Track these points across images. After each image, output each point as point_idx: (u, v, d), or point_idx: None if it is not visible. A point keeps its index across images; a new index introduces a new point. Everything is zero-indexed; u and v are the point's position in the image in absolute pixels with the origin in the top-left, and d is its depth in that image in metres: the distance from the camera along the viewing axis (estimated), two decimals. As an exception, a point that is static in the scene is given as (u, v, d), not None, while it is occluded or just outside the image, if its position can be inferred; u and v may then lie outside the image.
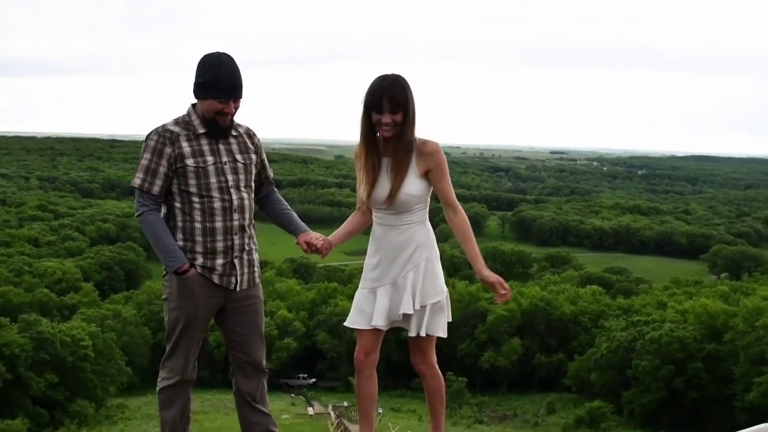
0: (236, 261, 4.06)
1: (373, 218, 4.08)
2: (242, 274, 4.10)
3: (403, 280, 3.98)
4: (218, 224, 3.99)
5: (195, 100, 4.04)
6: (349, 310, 4.16)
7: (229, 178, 4.02)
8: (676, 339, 51.20)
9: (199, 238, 3.99)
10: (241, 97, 4.00)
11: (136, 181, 3.98)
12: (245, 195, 4.08)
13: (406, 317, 4.02)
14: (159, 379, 4.20)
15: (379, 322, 4.01)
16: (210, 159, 3.99)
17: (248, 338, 4.19)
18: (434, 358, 4.23)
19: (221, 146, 4.04)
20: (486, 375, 61.60)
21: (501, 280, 4.01)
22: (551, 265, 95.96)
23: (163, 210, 4.07)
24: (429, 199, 4.02)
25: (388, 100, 3.80)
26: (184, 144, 3.97)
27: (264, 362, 4.29)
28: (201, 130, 4.01)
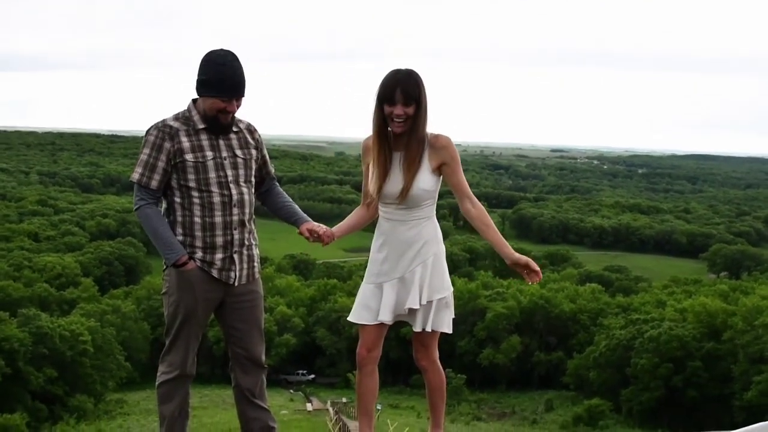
0: (236, 256, 4.06)
1: (380, 213, 4.05)
2: (241, 269, 4.10)
3: (410, 275, 3.97)
4: (218, 219, 3.99)
5: (195, 95, 4.03)
6: (348, 307, 4.16)
7: (229, 173, 4.01)
8: (675, 337, 51.23)
9: (198, 233, 4.00)
10: (243, 96, 4.01)
11: (135, 176, 3.99)
12: (245, 190, 4.08)
13: (412, 312, 4.01)
14: (158, 374, 4.20)
15: (386, 317, 3.99)
16: (209, 154, 3.99)
17: (247, 333, 4.19)
18: (437, 355, 4.23)
19: (221, 142, 4.04)
20: (485, 372, 61.63)
21: (531, 260, 4.01)
22: (551, 263, 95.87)
23: (163, 205, 4.08)
24: (437, 195, 4.02)
25: (401, 92, 3.79)
26: (184, 139, 3.97)
27: (263, 358, 4.29)
28: (201, 126, 4.01)
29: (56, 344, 47.42)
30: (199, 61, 3.97)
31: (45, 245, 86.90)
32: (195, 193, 3.97)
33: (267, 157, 4.32)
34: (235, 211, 4.03)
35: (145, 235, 4.30)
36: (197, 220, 3.99)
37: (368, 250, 4.10)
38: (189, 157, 3.95)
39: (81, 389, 48.91)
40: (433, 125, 3.93)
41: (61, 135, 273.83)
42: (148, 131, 4.01)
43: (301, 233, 4.30)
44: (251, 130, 4.20)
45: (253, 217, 4.19)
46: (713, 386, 50.26)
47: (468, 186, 4.02)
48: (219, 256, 4.03)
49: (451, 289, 4.11)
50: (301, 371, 63.12)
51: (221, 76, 3.90)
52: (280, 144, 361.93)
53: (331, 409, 48.38)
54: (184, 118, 4.03)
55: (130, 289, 71.32)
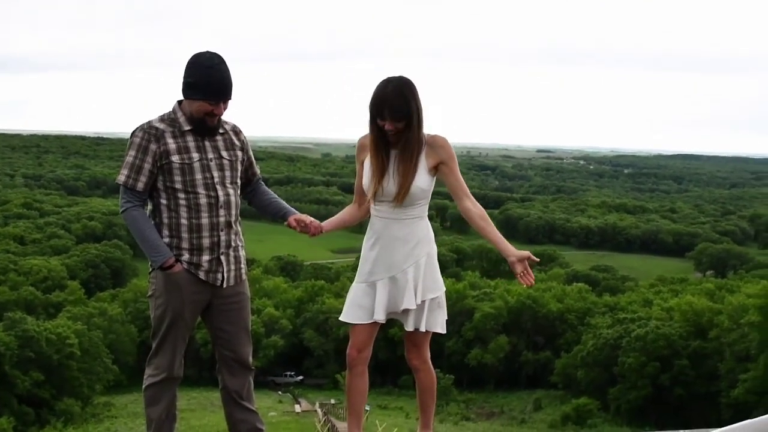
0: (222, 257, 4.05)
1: (373, 211, 4.02)
2: (229, 271, 4.09)
3: (402, 274, 3.94)
4: (204, 221, 3.98)
5: (180, 97, 4.02)
6: (336, 308, 4.16)
7: (215, 174, 4.00)
8: (662, 336, 51.46)
9: (185, 235, 3.98)
10: (231, 99, 3.99)
11: (121, 178, 3.96)
12: (231, 191, 4.06)
13: (404, 312, 3.99)
14: (145, 377, 4.17)
15: (380, 316, 3.97)
16: (195, 156, 3.97)
17: (234, 335, 4.18)
18: (428, 354, 4.21)
19: (207, 143, 4.02)
20: (473, 372, 61.74)
21: (530, 254, 3.97)
22: (538, 263, 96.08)
23: (149, 207, 4.06)
24: (430, 195, 4.01)
25: (389, 110, 3.77)
26: (170, 141, 3.95)
27: (250, 359, 4.27)
28: (186, 127, 3.99)
29: (43, 348, 47.19)
30: (185, 64, 3.95)
31: (31, 248, 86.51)
32: (181, 195, 3.95)
33: (252, 158, 4.31)
34: (222, 212, 4.02)
35: (132, 238, 4.28)
36: (184, 221, 3.97)
37: (356, 251, 4.10)
38: (175, 158, 3.93)
39: (68, 393, 48.69)
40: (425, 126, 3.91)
41: (46, 137, 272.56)
42: (133, 133, 3.98)
43: (288, 224, 4.28)
44: (237, 131, 4.19)
45: (239, 218, 4.18)
46: (700, 384, 50.52)
47: (466, 185, 4.01)
48: (206, 257, 4.01)
49: (444, 288, 4.09)
50: (289, 373, 63.02)
51: (209, 79, 3.88)
52: (266, 145, 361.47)
53: (319, 411, 48.36)
54: (169, 119, 4.01)
55: (116, 291, 71.06)
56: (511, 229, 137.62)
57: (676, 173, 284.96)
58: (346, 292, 4.22)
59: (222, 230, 4.03)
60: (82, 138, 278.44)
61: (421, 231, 3.98)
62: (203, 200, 3.97)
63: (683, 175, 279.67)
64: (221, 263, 4.05)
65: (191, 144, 3.98)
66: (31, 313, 55.97)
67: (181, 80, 3.95)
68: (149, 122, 4.00)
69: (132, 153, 3.95)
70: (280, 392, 58.45)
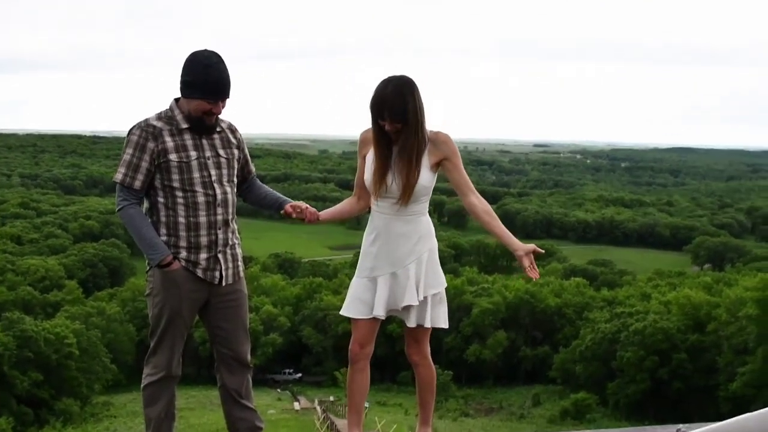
0: (220, 255, 4.05)
1: (374, 207, 4.01)
2: (227, 269, 4.08)
3: (404, 271, 3.94)
4: (202, 219, 3.97)
5: (177, 95, 4.01)
6: (334, 305, 4.15)
7: (213, 172, 4.00)
8: (660, 330, 51.48)
9: (183, 233, 3.97)
10: (228, 97, 3.98)
11: (118, 176, 3.95)
12: (228, 189, 4.06)
13: (406, 308, 3.99)
14: (144, 376, 4.17)
15: (380, 311, 3.96)
16: (193, 154, 3.97)
17: (232, 333, 4.18)
18: (428, 349, 4.20)
19: (204, 141, 4.02)
20: (471, 368, 61.77)
21: (536, 247, 4.00)
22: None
23: (146, 205, 4.05)
24: (431, 191, 4.00)
25: (388, 112, 3.77)
26: (168, 139, 3.94)
27: (249, 357, 4.27)
28: (184, 125, 3.98)
29: (41, 348, 47.15)
30: (184, 62, 3.94)
31: (28, 248, 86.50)
32: (179, 193, 3.95)
33: (248, 156, 4.31)
34: (220, 210, 4.01)
35: (129, 237, 4.27)
36: (182, 220, 3.97)
37: (354, 247, 4.09)
38: (173, 157, 3.93)
39: (67, 392, 48.67)
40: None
41: (42, 137, 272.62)
42: (130, 131, 3.97)
43: (285, 211, 4.25)
44: (233, 129, 4.18)
45: (236, 216, 4.18)
46: (698, 378, 50.55)
47: (470, 180, 4.01)
48: (203, 255, 4.01)
49: (445, 284, 4.09)
50: (287, 370, 63.05)
51: (207, 77, 3.87)
52: (263, 142, 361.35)
53: (318, 408, 48.34)
54: (167, 117, 4.00)
55: (114, 290, 71.04)
56: (508, 224, 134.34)
57: (672, 166, 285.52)
58: (345, 288, 4.23)
59: (219, 228, 4.03)
60: (78, 137, 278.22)
61: (422, 227, 3.98)
62: (201, 198, 3.96)
63: (680, 168, 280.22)
64: (219, 261, 4.05)
65: (189, 142, 3.98)
66: (29, 313, 55.92)
67: (179, 79, 3.95)
68: (146, 120, 3.98)
69: (129, 151, 3.94)
70: (278, 390, 58.43)
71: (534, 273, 3.94)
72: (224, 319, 4.15)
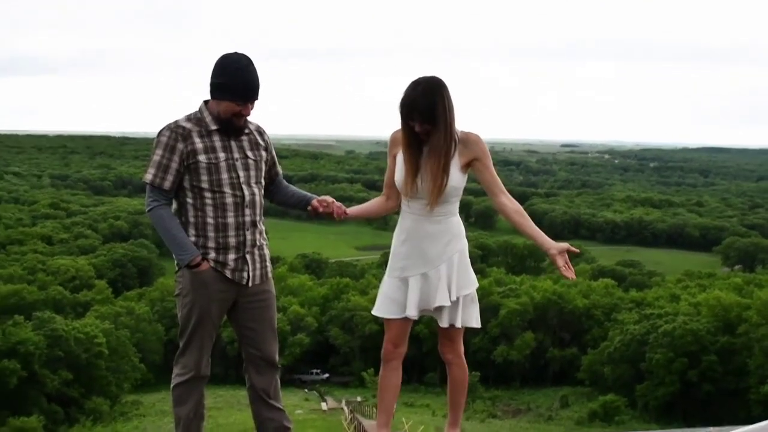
0: (248, 256, 4.07)
1: (404, 208, 4.02)
2: (254, 269, 4.11)
3: (435, 272, 3.94)
4: (230, 220, 4.00)
5: (206, 97, 4.04)
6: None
7: (241, 174, 4.02)
8: (690, 332, 51.04)
9: (211, 234, 4.00)
10: (257, 99, 4.01)
11: (148, 177, 3.98)
12: (256, 191, 4.09)
13: (438, 309, 3.99)
14: (173, 376, 4.20)
15: (412, 312, 3.97)
16: (222, 155, 4.00)
17: (261, 334, 4.20)
18: (462, 349, 4.22)
19: (233, 143, 4.05)
20: (499, 369, 61.56)
21: (570, 246, 3.97)
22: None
23: (174, 205, 4.08)
24: (461, 192, 3.99)
25: (417, 113, 3.77)
26: (197, 140, 3.97)
27: (277, 358, 4.29)
28: (213, 127, 4.01)
29: (71, 347, 47.63)
30: (214, 64, 3.97)
31: (58, 248, 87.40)
32: (208, 194, 3.98)
33: (275, 157, 4.34)
34: (248, 211, 4.04)
35: (158, 237, 4.31)
36: (210, 220, 3.99)
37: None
38: (202, 158, 3.96)
39: (96, 391, 49.13)
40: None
41: (72, 138, 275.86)
42: (160, 132, 4.01)
43: (312, 207, 4.29)
44: (261, 131, 4.21)
45: (263, 217, 4.20)
46: (729, 380, 50.06)
47: (500, 181, 3.99)
48: (232, 256, 4.03)
49: (477, 284, 4.10)
50: (315, 370, 63.18)
51: (237, 80, 3.90)
52: (290, 143, 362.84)
53: (345, 408, 48.41)
54: (196, 119, 4.03)
55: (143, 290, 71.61)
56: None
57: (702, 166, 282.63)
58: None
59: (248, 229, 4.05)
60: (108, 138, 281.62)
61: (453, 228, 3.99)
62: (229, 199, 3.99)
63: (709, 168, 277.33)
64: (246, 262, 4.07)
65: (218, 144, 4.00)
66: (60, 312, 56.51)
67: (209, 80, 3.98)
68: (176, 122, 4.02)
69: (159, 152, 3.97)
70: (306, 390, 58.57)
71: (570, 273, 3.90)
72: (252, 319, 4.17)
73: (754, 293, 55.00)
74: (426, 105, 3.75)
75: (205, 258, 4.00)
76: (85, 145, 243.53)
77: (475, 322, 4.09)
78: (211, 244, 4.01)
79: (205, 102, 4.05)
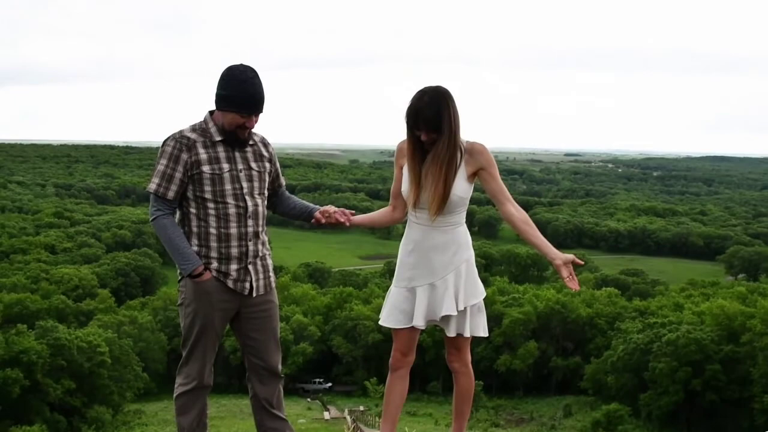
0: (250, 267, 4.08)
1: (411, 218, 4.03)
2: (257, 280, 4.12)
3: (442, 282, 3.95)
4: (233, 230, 4.01)
5: (211, 107, 4.06)
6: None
7: (244, 185, 4.04)
8: (693, 341, 50.90)
9: (214, 244, 4.01)
10: (262, 112, 4.03)
11: (152, 186, 4.00)
12: (259, 202, 4.11)
13: (445, 318, 4.01)
14: (176, 385, 4.21)
15: (419, 322, 3.99)
16: (226, 166, 4.01)
17: (264, 343, 4.21)
18: (469, 358, 4.24)
19: (237, 154, 4.07)
20: (502, 378, 61.44)
21: (575, 257, 3.98)
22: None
23: (178, 215, 4.10)
24: (468, 201, 4.00)
25: (423, 122, 3.78)
26: (201, 151, 3.99)
27: (280, 367, 4.30)
28: (217, 138, 4.03)
29: (74, 356, 47.57)
30: (219, 75, 3.99)
31: (62, 257, 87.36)
32: (211, 205, 3.99)
33: (279, 169, 4.36)
34: (250, 222, 4.05)
35: (161, 246, 4.32)
36: (213, 231, 4.01)
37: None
38: (206, 168, 3.98)
39: (99, 400, 49.02)
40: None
41: (76, 147, 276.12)
42: (165, 142, 4.03)
43: (316, 220, 4.32)
44: (265, 143, 4.23)
45: (266, 228, 4.21)
46: (732, 389, 49.89)
47: (507, 190, 4.01)
48: (234, 266, 4.05)
49: (484, 293, 4.12)
50: (318, 380, 63.06)
51: (242, 93, 3.92)
52: (293, 152, 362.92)
53: (348, 418, 48.31)
54: (201, 129, 4.05)
55: (146, 299, 71.47)
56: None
57: (705, 175, 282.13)
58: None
59: (250, 240, 4.06)
60: (111, 147, 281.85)
61: (460, 238, 3.99)
62: (232, 210, 4.00)
63: (713, 177, 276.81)
64: (249, 272, 4.08)
65: (222, 155, 4.02)
66: (63, 321, 56.43)
67: (214, 92, 4.00)
68: (181, 132, 4.04)
69: (163, 162, 3.98)
70: (309, 399, 58.50)
71: (574, 284, 3.92)
72: (255, 329, 4.18)
73: (757, 302, 54.85)
74: (432, 114, 3.76)
75: (207, 268, 4.01)
76: (89, 155, 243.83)
77: (483, 332, 4.12)
78: (214, 254, 4.02)
79: (210, 112, 4.08)
